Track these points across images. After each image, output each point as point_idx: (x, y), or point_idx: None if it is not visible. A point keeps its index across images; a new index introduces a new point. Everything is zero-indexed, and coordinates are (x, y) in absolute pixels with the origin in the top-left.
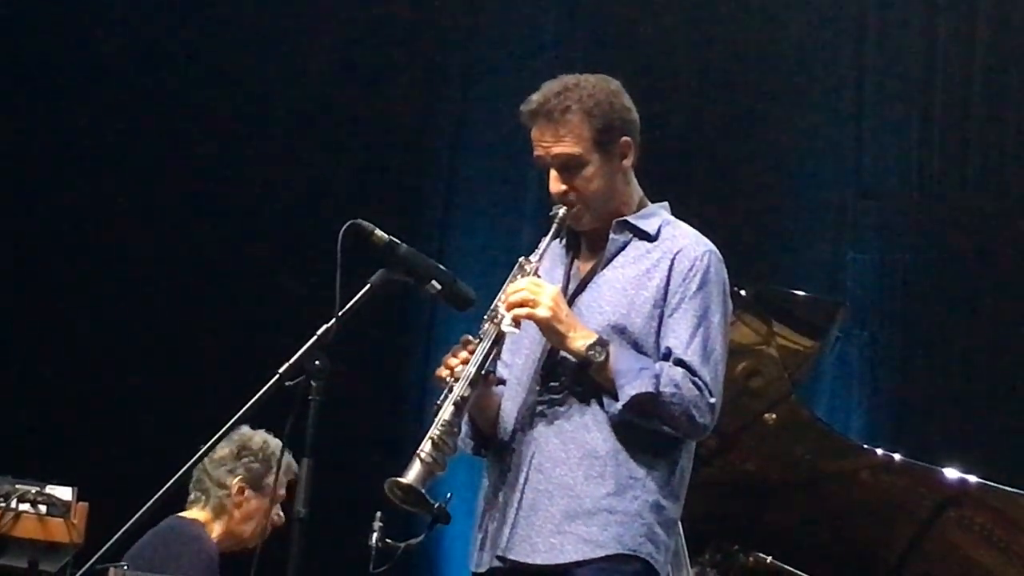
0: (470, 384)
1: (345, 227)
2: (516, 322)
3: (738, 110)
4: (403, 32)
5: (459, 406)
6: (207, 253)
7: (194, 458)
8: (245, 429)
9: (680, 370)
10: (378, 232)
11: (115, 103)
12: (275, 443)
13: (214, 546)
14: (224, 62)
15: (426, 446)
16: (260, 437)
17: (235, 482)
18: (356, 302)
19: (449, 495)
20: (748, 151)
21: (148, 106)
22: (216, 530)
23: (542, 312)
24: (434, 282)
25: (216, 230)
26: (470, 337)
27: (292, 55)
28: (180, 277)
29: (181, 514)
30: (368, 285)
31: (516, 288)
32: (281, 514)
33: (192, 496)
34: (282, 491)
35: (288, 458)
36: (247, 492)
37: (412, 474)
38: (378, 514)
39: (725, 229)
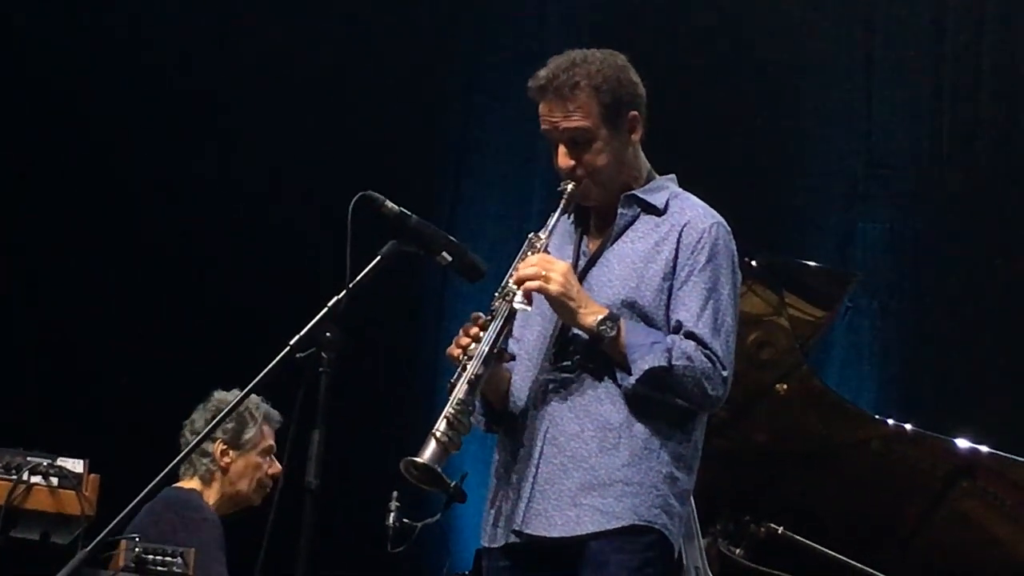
0: (484, 362)
1: (356, 198)
2: (528, 298)
3: (748, 81)
4: (416, 4)
5: (473, 384)
6: (217, 227)
7: (203, 433)
8: (218, 393)
9: (692, 343)
10: (388, 203)
11: (125, 75)
12: (249, 399)
13: (215, 513)
14: (231, 35)
15: (441, 425)
16: (233, 396)
17: (215, 447)
18: (367, 273)
19: (465, 473)
20: (758, 122)
21: (159, 78)
22: (211, 497)
23: (553, 287)
24: (445, 253)
25: (226, 204)
26: (480, 314)
27: (301, 27)
28: (190, 250)
29: (178, 485)
30: (379, 256)
31: (527, 264)
32: (277, 464)
33: (182, 469)
34: (270, 441)
35: (266, 408)
36: (231, 453)
37: (428, 453)
38: (394, 494)
39: (735, 200)
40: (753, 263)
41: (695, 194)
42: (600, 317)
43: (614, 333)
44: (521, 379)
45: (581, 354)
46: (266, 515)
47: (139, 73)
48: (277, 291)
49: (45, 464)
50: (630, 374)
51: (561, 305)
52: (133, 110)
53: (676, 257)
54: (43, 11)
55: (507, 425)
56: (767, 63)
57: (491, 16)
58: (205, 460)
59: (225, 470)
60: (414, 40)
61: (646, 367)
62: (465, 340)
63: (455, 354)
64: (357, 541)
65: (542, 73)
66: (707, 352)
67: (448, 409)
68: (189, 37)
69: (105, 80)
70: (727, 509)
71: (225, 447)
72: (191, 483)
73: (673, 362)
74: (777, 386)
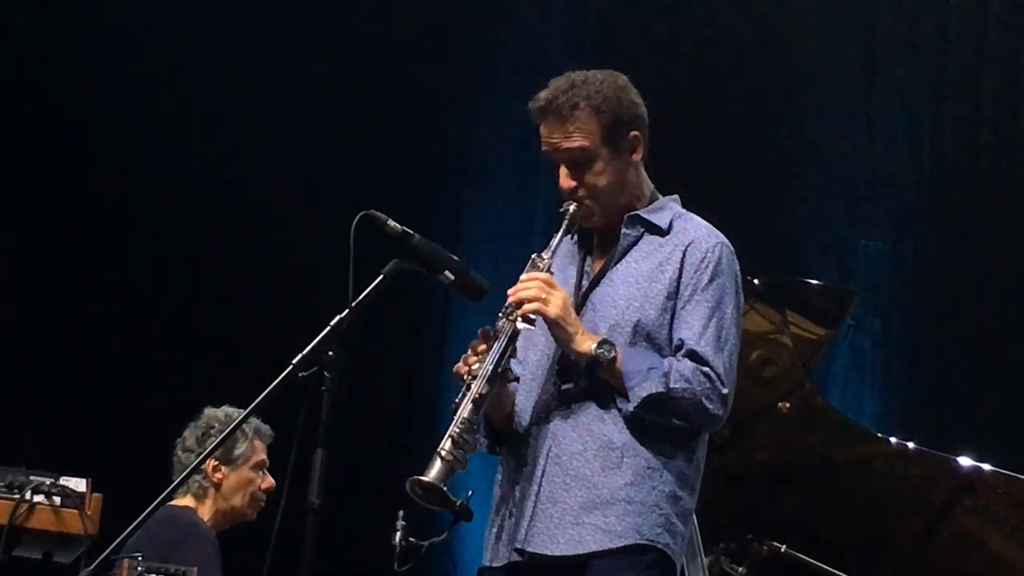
0: (488, 382)
1: (358, 217)
2: (529, 319)
3: (750, 98)
4: (414, 20)
5: (478, 403)
6: (220, 244)
7: (206, 452)
8: (208, 410)
9: (690, 363)
10: (391, 222)
11: (124, 78)
12: (238, 413)
13: (210, 529)
14: (231, 39)
15: (446, 444)
16: (223, 412)
17: (207, 463)
18: (369, 292)
19: (470, 492)
20: (759, 139)
21: (158, 82)
22: (205, 513)
23: (552, 308)
24: (447, 272)
25: (229, 220)
26: (488, 328)
27: (304, 42)
28: (193, 268)
29: (172, 503)
30: (381, 275)
31: (526, 283)
32: (270, 478)
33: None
34: (262, 455)
35: (257, 422)
36: (223, 468)
37: (434, 472)
38: (400, 513)
39: (737, 217)
40: (755, 281)
41: (696, 213)
42: (597, 341)
43: (612, 355)
44: (524, 398)
45: (584, 374)
46: (268, 535)
47: (138, 76)
48: (278, 309)
49: (48, 483)
50: (628, 399)
51: (559, 328)
52: (132, 115)
53: (680, 277)
54: (43, 11)
55: (510, 444)
56: (768, 79)
57: (493, 33)
58: (198, 477)
59: (218, 486)
60: (415, 58)
61: (644, 395)
62: (472, 359)
63: (462, 372)
64: (362, 561)
65: (542, 95)
66: (706, 371)
67: (452, 428)
68: (189, 40)
69: (105, 82)
70: (730, 527)
71: (217, 463)
72: (184, 500)
73: (671, 386)
74: (779, 404)
